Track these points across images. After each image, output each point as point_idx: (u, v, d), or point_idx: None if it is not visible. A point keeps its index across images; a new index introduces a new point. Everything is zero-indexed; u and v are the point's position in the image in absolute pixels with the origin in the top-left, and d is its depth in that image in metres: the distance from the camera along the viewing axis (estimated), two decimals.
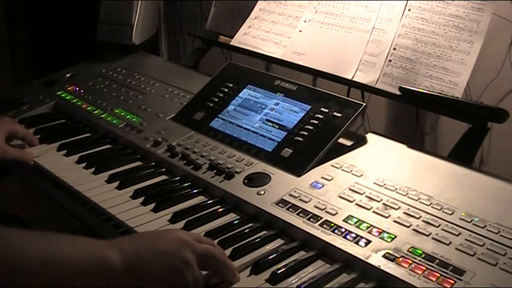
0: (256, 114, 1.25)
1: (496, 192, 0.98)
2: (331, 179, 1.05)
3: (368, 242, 0.89)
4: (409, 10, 1.28)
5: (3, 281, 0.70)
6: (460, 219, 0.91)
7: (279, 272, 0.86)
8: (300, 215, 0.97)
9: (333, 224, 0.94)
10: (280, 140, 1.17)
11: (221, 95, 1.34)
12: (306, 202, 1.00)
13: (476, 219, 0.91)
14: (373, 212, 0.96)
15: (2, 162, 1.24)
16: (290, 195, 1.02)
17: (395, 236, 0.90)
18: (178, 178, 1.17)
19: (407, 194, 0.99)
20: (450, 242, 0.87)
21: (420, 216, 0.93)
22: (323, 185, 1.04)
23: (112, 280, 0.76)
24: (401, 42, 1.27)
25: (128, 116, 1.40)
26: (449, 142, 1.18)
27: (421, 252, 0.86)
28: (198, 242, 0.84)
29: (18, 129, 1.31)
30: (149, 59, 1.79)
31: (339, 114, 1.16)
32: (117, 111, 1.43)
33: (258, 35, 1.52)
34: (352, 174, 1.06)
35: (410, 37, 1.26)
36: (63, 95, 1.57)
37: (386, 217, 0.94)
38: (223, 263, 0.85)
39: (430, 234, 0.89)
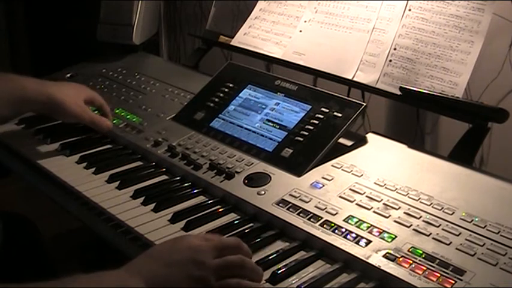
0: (256, 114, 1.25)
1: (496, 192, 0.98)
2: (332, 179, 1.05)
3: (368, 242, 0.89)
4: (410, 10, 1.28)
5: None
6: (461, 219, 0.91)
7: (279, 272, 0.85)
8: (300, 215, 0.97)
9: (333, 224, 0.94)
10: (280, 140, 1.17)
11: (221, 95, 1.34)
12: (306, 202, 1.00)
13: (476, 219, 0.91)
14: (374, 212, 0.96)
15: (81, 121, 1.30)
16: (290, 195, 1.02)
17: (396, 236, 0.90)
18: (178, 178, 1.17)
19: (408, 194, 0.99)
20: (450, 242, 0.87)
21: (420, 216, 0.93)
22: (323, 185, 1.04)
23: None
24: (401, 42, 1.27)
25: (128, 116, 1.40)
26: (450, 142, 1.18)
27: (421, 252, 0.86)
28: (208, 240, 0.84)
29: (96, 97, 1.35)
30: (149, 59, 1.79)
31: (339, 114, 1.16)
32: (117, 111, 1.43)
33: (259, 35, 1.52)
34: (352, 174, 1.06)
35: (410, 37, 1.26)
36: None
37: (387, 217, 0.94)
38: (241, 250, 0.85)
39: (430, 234, 0.89)
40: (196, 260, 0.80)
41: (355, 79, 1.31)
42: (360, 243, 0.89)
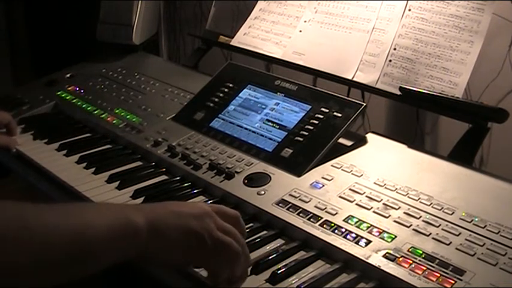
0: (256, 114, 1.25)
1: (496, 192, 0.98)
2: (331, 179, 1.05)
3: (368, 242, 0.89)
4: (409, 10, 1.29)
5: (37, 262, 0.68)
6: (460, 219, 0.91)
7: (279, 272, 0.85)
8: (300, 215, 0.97)
9: (333, 224, 0.94)
10: (280, 140, 1.17)
11: (221, 95, 1.34)
12: (306, 202, 1.00)
13: (476, 219, 0.91)
14: (373, 212, 0.96)
15: None
16: (290, 195, 1.02)
17: (396, 236, 0.90)
18: (178, 178, 1.16)
19: (408, 194, 0.99)
20: (450, 242, 0.87)
21: (420, 216, 0.93)
22: (323, 185, 1.04)
23: (137, 241, 0.75)
24: (401, 42, 1.27)
25: (128, 116, 1.40)
26: (450, 142, 1.18)
27: (421, 252, 0.86)
28: (221, 215, 0.83)
29: (3, 116, 1.36)
30: (149, 59, 1.79)
31: (339, 114, 1.16)
32: (117, 111, 1.43)
33: (258, 35, 1.52)
34: (352, 174, 1.06)
35: (410, 37, 1.26)
36: (63, 95, 1.57)
37: (387, 217, 0.94)
38: (238, 253, 0.82)
39: (430, 234, 0.89)
40: (202, 219, 0.79)
41: (355, 79, 1.31)
42: (360, 243, 0.89)
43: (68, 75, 1.69)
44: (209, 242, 0.78)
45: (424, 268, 0.83)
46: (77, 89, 1.60)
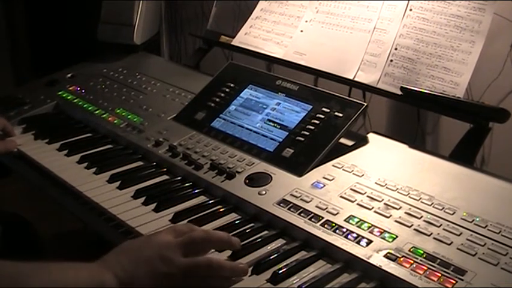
0: (257, 114, 1.25)
1: (497, 192, 0.98)
2: (333, 179, 1.05)
3: (369, 242, 0.89)
4: (411, 10, 1.28)
5: None
6: (461, 219, 0.91)
7: (280, 272, 0.85)
8: (301, 215, 0.97)
9: (334, 224, 0.94)
10: (281, 140, 1.17)
11: (222, 95, 1.34)
12: (307, 202, 1.00)
13: (477, 219, 0.91)
14: (375, 211, 0.96)
15: None
16: (291, 195, 1.02)
17: (397, 236, 0.90)
18: (179, 178, 1.16)
19: (409, 193, 0.99)
20: (451, 242, 0.87)
21: (421, 216, 0.93)
22: (324, 185, 1.04)
23: None
24: (402, 42, 1.27)
25: (129, 116, 1.40)
26: (451, 142, 1.18)
27: (422, 252, 0.86)
28: (178, 236, 0.86)
29: None
30: (150, 59, 1.79)
31: (340, 114, 1.16)
32: (118, 111, 1.43)
33: (259, 35, 1.52)
34: (353, 174, 1.06)
35: (411, 37, 1.26)
36: (64, 95, 1.58)
37: (388, 217, 0.94)
38: (208, 240, 0.88)
39: (431, 234, 0.89)
40: (163, 256, 0.82)
41: (356, 79, 1.31)
42: (361, 243, 0.89)
43: (69, 75, 1.69)
44: (180, 275, 0.81)
45: (425, 268, 0.83)
46: (78, 89, 1.60)
